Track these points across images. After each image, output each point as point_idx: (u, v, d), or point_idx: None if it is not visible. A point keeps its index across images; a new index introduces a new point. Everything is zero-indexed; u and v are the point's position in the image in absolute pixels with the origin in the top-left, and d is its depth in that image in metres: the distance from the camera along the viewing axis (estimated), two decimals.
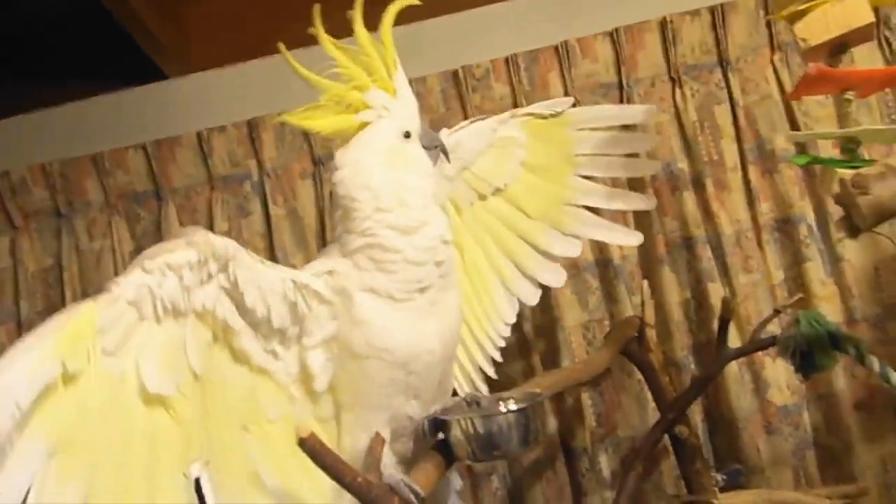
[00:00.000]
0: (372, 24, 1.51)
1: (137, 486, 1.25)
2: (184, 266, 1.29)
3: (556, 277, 2.01)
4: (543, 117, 1.99)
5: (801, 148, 2.34)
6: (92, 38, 2.59)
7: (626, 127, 2.26)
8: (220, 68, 2.64)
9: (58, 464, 1.14)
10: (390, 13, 1.50)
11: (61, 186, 2.57)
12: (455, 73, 2.51)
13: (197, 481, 1.33)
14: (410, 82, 2.40)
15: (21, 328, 2.53)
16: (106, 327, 1.21)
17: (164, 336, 1.29)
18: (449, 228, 1.55)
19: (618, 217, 2.22)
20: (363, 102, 1.50)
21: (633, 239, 2.13)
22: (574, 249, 2.02)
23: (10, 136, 2.65)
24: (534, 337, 2.46)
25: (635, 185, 2.35)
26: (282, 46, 1.49)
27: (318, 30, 1.47)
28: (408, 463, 1.51)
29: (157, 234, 2.52)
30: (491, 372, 1.93)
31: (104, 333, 1.21)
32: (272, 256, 2.50)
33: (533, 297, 2.00)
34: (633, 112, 2.26)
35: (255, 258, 1.40)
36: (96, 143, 2.60)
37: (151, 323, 1.27)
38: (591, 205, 2.04)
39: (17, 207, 2.59)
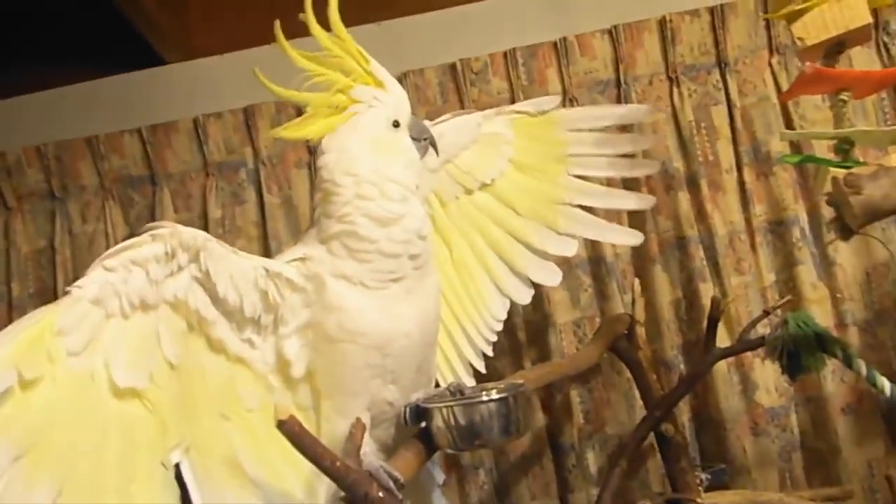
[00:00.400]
0: (346, 18, 1.50)
1: (112, 477, 1.26)
2: (150, 260, 1.31)
3: (550, 276, 2.00)
4: (531, 115, 1.98)
5: (795, 148, 2.34)
6: (92, 23, 2.60)
7: (624, 126, 2.27)
8: (218, 55, 2.64)
9: (25, 465, 1.16)
10: (333, 9, 1.47)
11: (56, 169, 2.58)
12: (453, 66, 2.51)
13: (178, 468, 1.33)
14: (408, 74, 2.49)
15: (12, 309, 2.54)
16: (67, 329, 1.23)
17: (135, 330, 1.31)
18: (428, 223, 1.54)
19: (611, 215, 2.22)
20: (351, 100, 1.49)
21: (634, 238, 2.11)
22: (569, 249, 2.00)
23: (7, 118, 2.66)
24: (524, 333, 2.46)
25: (629, 184, 2.35)
26: (259, 73, 1.47)
27: (284, 45, 1.45)
28: (390, 451, 1.51)
29: (151, 219, 2.52)
30: (481, 367, 1.92)
31: (66, 335, 1.23)
32: (266, 245, 2.51)
33: (525, 297, 1.98)
34: (624, 112, 2.24)
35: (227, 248, 1.40)
36: (92, 126, 2.60)
37: (119, 319, 1.29)
38: (586, 204, 2.03)
39: (11, 189, 2.60)
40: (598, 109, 2.31)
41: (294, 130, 1.49)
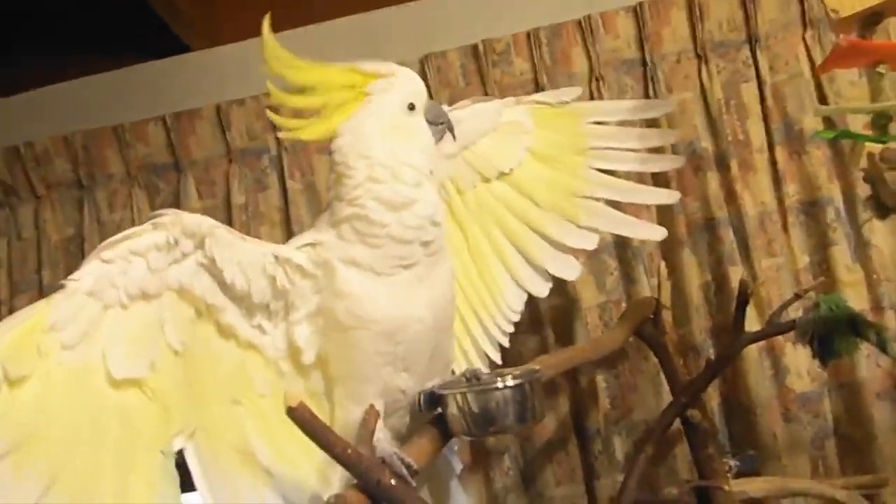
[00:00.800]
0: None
1: (110, 467, 1.26)
2: (150, 249, 1.30)
3: (568, 270, 1.95)
4: (552, 106, 1.94)
5: (829, 124, 2.26)
6: (118, 12, 2.61)
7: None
8: (239, 42, 2.63)
9: (13, 462, 1.16)
10: (286, 56, 1.45)
11: (83, 158, 2.61)
12: (475, 48, 2.47)
13: (180, 454, 1.33)
14: (430, 57, 2.46)
15: (43, 297, 2.57)
16: (61, 323, 1.22)
17: (135, 320, 1.30)
18: (441, 209, 1.51)
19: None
20: (366, 94, 1.47)
21: (657, 233, 2.06)
22: (589, 242, 1.96)
23: (35, 108, 2.69)
24: (549, 316, 2.43)
25: (657, 172, 2.29)
26: (270, 113, 1.47)
27: (278, 94, 1.45)
28: (404, 440, 1.49)
29: (176, 206, 2.53)
30: (497, 358, 1.88)
31: (60, 329, 1.22)
32: (289, 230, 2.51)
33: (542, 290, 1.94)
34: (647, 107, 2.18)
35: (235, 234, 1.39)
36: (118, 115, 2.62)
37: (117, 310, 1.28)
38: (607, 197, 1.98)
39: (40, 178, 2.63)
40: (619, 103, 2.26)
41: (309, 133, 1.48)
